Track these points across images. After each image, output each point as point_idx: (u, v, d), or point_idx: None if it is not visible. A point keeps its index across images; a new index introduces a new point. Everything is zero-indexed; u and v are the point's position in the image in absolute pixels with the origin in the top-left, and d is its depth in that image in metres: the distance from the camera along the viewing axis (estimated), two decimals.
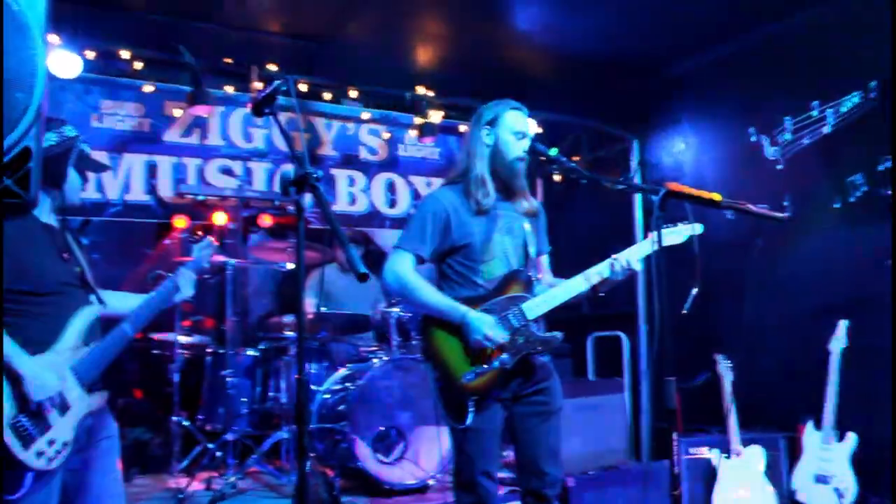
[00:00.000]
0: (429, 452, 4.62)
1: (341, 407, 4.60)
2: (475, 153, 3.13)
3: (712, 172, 6.11)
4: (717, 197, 2.65)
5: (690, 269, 2.88)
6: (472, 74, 6.44)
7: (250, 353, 5.14)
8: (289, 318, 5.11)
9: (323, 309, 5.11)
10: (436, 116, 6.40)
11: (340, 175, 6.68)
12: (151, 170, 5.91)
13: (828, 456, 4.72)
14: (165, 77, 5.91)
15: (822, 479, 4.70)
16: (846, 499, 4.55)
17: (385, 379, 4.59)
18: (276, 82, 2.55)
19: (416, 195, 6.98)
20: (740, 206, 2.70)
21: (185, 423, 4.98)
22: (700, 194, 2.68)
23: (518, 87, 6.59)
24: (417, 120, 6.42)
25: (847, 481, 4.59)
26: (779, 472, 4.95)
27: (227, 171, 6.20)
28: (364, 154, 6.79)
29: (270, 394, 5.01)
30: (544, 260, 3.34)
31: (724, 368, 5.19)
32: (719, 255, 5.35)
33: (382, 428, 4.51)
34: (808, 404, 4.98)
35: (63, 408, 2.54)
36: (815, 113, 5.31)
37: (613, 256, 3.10)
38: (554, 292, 3.06)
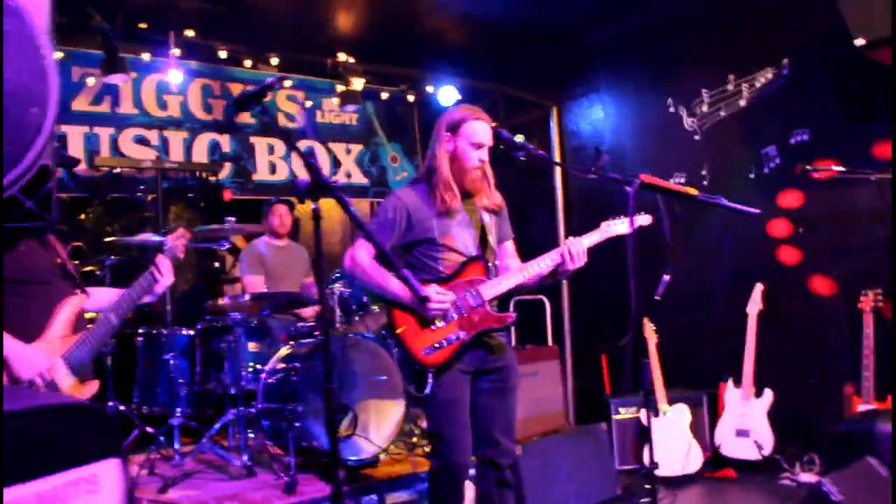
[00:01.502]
0: (378, 427, 4.67)
1: (286, 386, 4.57)
2: (439, 156, 3.28)
3: (631, 141, 6.32)
4: (692, 191, 2.77)
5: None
6: (393, 40, 6.38)
7: (186, 332, 5.00)
8: (226, 300, 4.98)
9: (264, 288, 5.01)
10: (357, 83, 6.30)
11: (259, 143, 6.49)
12: (61, 140, 5.56)
13: (747, 411, 5.09)
14: (73, 42, 5.54)
15: (742, 433, 5.06)
16: (765, 450, 4.93)
17: (336, 358, 4.57)
18: (269, 79, 2.48)
19: (335, 162, 6.88)
20: (714, 202, 2.82)
21: (121, 407, 4.82)
22: (675, 188, 2.79)
23: (437, 52, 6.62)
24: (339, 87, 6.30)
25: (765, 434, 4.97)
26: (702, 427, 5.28)
27: (143, 141, 5.91)
28: (283, 121, 6.62)
29: (213, 374, 4.90)
30: (509, 245, 3.52)
31: (649, 331, 5.47)
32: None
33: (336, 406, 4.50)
34: (727, 364, 5.34)
35: None
36: (730, 87, 5.57)
37: (565, 243, 3.27)
38: (509, 275, 3.28)
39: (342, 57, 6.22)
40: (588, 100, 6.68)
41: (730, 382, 5.21)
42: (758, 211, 2.94)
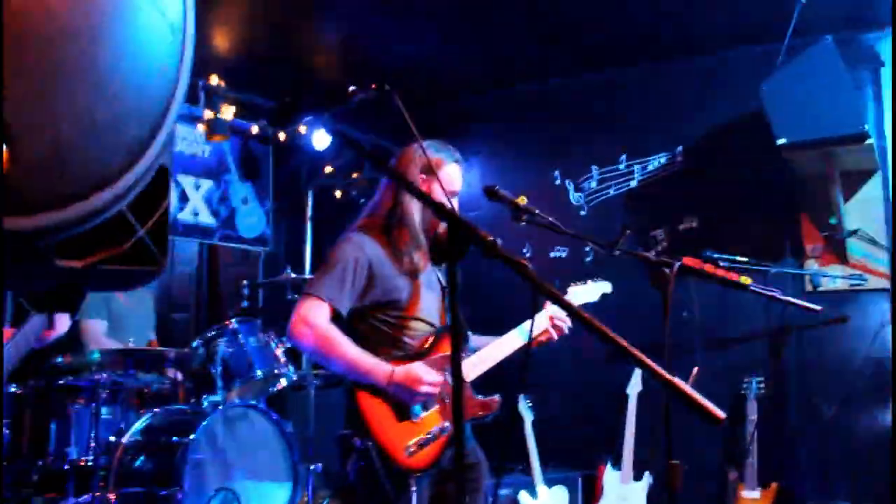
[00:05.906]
0: None
1: (152, 465, 3.73)
2: (408, 202, 2.78)
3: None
4: (745, 280, 2.53)
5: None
6: (269, 70, 5.79)
7: (11, 390, 3.95)
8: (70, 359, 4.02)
9: (131, 342, 4.12)
10: (227, 112, 5.57)
11: None
12: None
13: (626, 494, 4.97)
14: None
15: None
16: None
17: (217, 432, 3.81)
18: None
19: (182, 197, 6.03)
20: (770, 294, 2.61)
21: None
22: (725, 275, 2.55)
23: (313, 91, 6.10)
24: (207, 113, 5.54)
25: None
26: None
27: None
28: None
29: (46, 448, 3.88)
30: None
31: (525, 408, 5.24)
32: (518, 297, 5.42)
33: (216, 491, 3.72)
34: (605, 445, 5.24)
35: None
36: (622, 167, 5.59)
37: (546, 311, 2.94)
38: (490, 351, 2.82)
39: (214, 80, 5.49)
40: (468, 162, 6.42)
41: (609, 464, 5.09)
42: (819, 308, 2.76)
